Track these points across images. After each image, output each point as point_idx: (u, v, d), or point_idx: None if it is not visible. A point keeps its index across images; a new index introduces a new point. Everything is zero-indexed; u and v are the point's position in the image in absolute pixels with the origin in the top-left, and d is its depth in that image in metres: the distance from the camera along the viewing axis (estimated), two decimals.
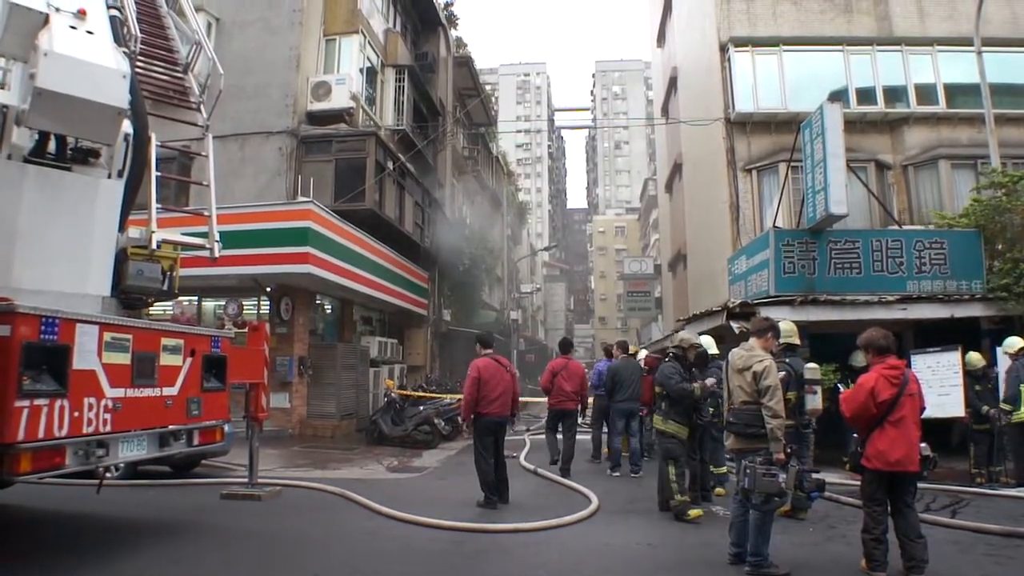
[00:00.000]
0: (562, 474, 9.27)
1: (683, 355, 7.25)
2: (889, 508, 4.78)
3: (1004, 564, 5.26)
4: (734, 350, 5.29)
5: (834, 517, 6.84)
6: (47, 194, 5.23)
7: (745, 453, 4.96)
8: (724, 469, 8.10)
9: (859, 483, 5.14)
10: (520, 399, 8.59)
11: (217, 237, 6.61)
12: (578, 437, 10.05)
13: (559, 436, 9.89)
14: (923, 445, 4.82)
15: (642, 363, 10.11)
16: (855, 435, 5.03)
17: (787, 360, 6.72)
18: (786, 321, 7.40)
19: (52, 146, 5.48)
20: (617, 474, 9.57)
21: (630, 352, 10.81)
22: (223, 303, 13.99)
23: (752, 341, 5.28)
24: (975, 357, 9.22)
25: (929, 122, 14.19)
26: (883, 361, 4.86)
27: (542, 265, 62.25)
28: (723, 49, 14.94)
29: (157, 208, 6.05)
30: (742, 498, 4.89)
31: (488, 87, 38.60)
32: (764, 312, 10.60)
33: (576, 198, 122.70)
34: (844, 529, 6.21)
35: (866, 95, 14.44)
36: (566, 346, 10.50)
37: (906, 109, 14.31)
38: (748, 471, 4.74)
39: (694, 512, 6.64)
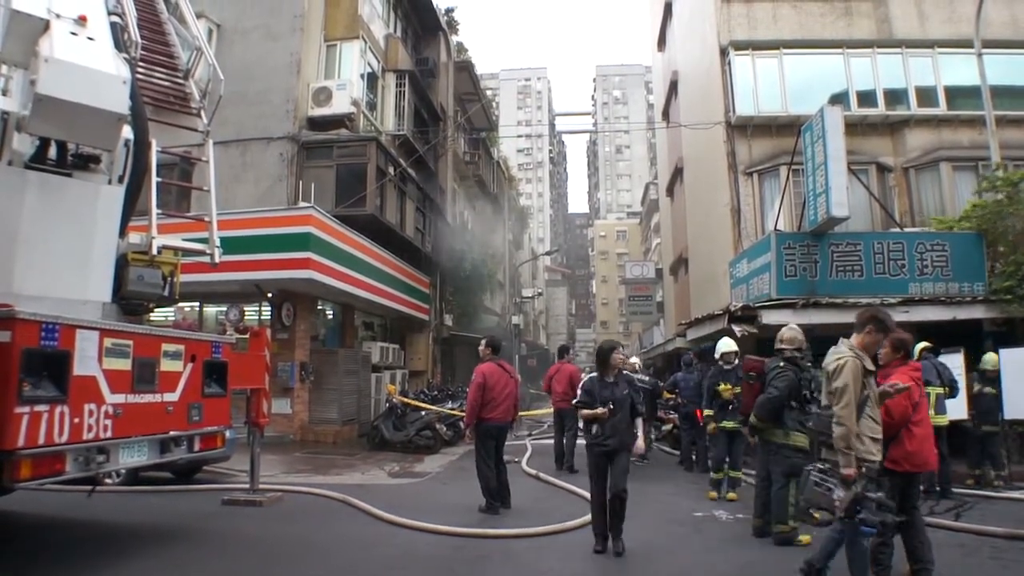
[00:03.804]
0: (568, 471, 9.42)
1: (800, 356, 6.31)
2: None
3: (1009, 567, 5.24)
4: (832, 347, 4.60)
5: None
6: (48, 200, 5.23)
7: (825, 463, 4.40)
8: (740, 473, 8.06)
9: None
10: (521, 407, 8.58)
11: (218, 243, 6.60)
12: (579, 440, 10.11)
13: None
14: None
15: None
16: None
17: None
18: (789, 327, 7.19)
19: (53, 152, 5.49)
20: None
21: None
22: (224, 309, 13.99)
23: (852, 338, 4.48)
24: (993, 359, 9.21)
25: (930, 124, 14.18)
26: (906, 363, 4.84)
27: (544, 270, 62.24)
28: (723, 52, 14.96)
29: (158, 214, 6.06)
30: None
31: (489, 92, 38.73)
32: (765, 316, 10.61)
33: (577, 202, 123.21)
34: None
35: (867, 98, 14.44)
36: (561, 352, 10.97)
37: (907, 111, 14.30)
38: (804, 474, 4.35)
39: (806, 538, 5.90)
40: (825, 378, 4.36)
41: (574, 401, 5.92)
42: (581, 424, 10.66)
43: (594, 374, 5.93)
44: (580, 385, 6.06)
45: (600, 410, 5.57)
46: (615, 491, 5.56)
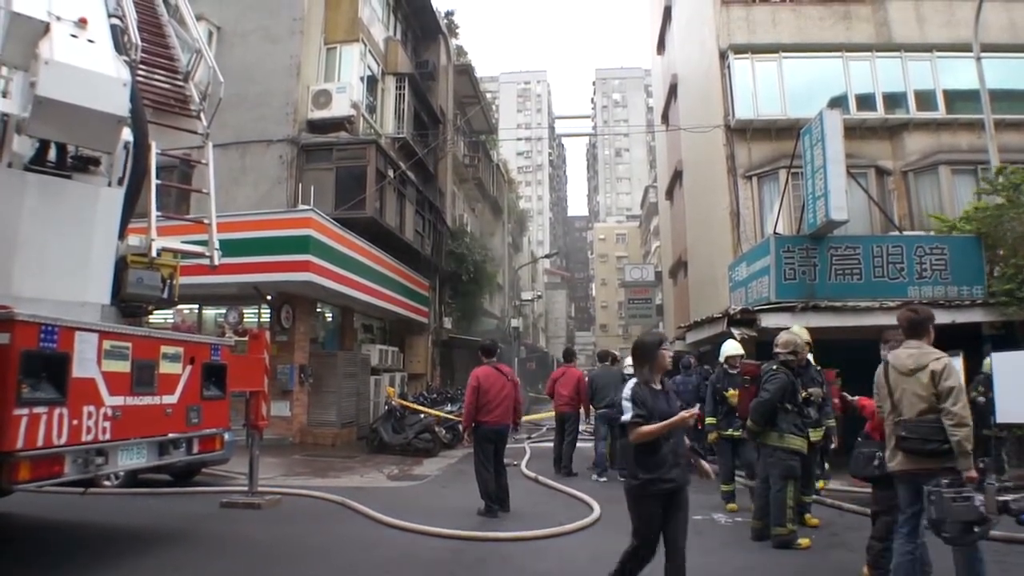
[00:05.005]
0: (565, 475, 9.49)
1: (795, 360, 6.27)
2: None
3: (1009, 571, 5.22)
4: (897, 352, 4.41)
5: (837, 524, 6.80)
6: (47, 202, 5.23)
7: (920, 475, 4.01)
8: (732, 487, 7.86)
9: (865, 491, 5.10)
10: (522, 409, 8.58)
11: (217, 245, 6.61)
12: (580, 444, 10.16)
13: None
14: None
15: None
16: (859, 439, 4.97)
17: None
18: (797, 327, 7.13)
19: (52, 154, 5.49)
20: (603, 479, 9.60)
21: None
22: (223, 311, 14.00)
23: (911, 340, 4.36)
24: None
25: (929, 128, 14.19)
26: None
27: (543, 273, 62.23)
28: (723, 56, 14.97)
29: (157, 216, 6.06)
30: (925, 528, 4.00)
31: (489, 95, 38.79)
32: (764, 319, 10.61)
33: (577, 206, 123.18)
34: (846, 536, 6.18)
35: (866, 101, 14.43)
36: (568, 355, 11.17)
37: (906, 115, 14.31)
38: (934, 498, 3.78)
39: (804, 541, 5.86)
40: (929, 378, 4.03)
41: (627, 417, 4.02)
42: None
43: (634, 380, 4.17)
44: (627, 395, 4.08)
45: (686, 413, 4.00)
46: (675, 557, 4.24)
